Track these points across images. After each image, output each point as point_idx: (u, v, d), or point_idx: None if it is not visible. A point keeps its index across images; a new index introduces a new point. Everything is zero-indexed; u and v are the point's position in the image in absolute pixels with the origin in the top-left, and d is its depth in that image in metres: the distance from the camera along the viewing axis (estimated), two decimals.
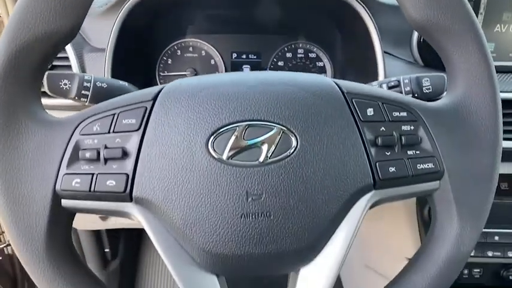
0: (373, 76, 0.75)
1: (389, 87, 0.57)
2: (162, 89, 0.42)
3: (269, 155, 0.39)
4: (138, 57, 0.85)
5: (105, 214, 0.42)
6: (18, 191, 0.39)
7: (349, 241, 0.41)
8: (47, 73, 0.52)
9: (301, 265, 0.42)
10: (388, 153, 0.41)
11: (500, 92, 0.45)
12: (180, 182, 0.38)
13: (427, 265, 0.43)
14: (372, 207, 0.42)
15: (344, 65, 0.91)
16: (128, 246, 1.46)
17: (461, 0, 0.42)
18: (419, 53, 0.79)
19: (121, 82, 0.58)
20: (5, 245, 1.20)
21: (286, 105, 0.40)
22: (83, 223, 1.13)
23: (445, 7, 0.42)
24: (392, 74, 0.72)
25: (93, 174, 0.39)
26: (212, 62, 0.93)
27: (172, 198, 0.39)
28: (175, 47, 0.92)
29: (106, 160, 0.39)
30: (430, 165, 0.41)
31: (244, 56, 0.93)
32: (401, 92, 0.57)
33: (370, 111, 0.42)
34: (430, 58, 0.78)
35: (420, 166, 0.41)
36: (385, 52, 0.75)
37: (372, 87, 0.45)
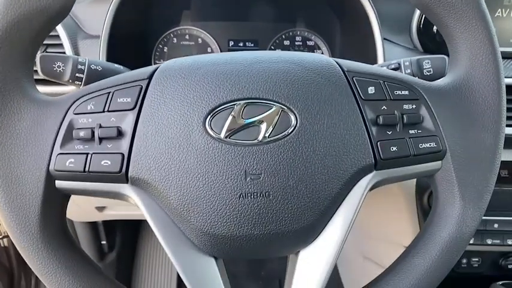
0: (373, 63, 0.74)
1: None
2: (158, 67, 0.41)
3: (268, 134, 0.38)
4: (134, 45, 0.84)
5: (100, 196, 0.41)
6: (10, 172, 0.38)
7: (349, 223, 0.40)
8: (40, 55, 0.50)
9: (301, 247, 0.41)
10: (389, 133, 0.41)
11: None
12: (177, 161, 0.38)
13: (428, 247, 0.42)
14: (372, 188, 0.42)
15: (343, 52, 0.90)
16: (125, 238, 1.46)
17: None
18: (419, 39, 0.78)
19: (116, 65, 0.57)
20: (0, 237, 1.19)
21: (286, 83, 0.39)
22: (79, 215, 1.12)
23: None
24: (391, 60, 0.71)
25: (87, 154, 0.38)
26: (209, 49, 0.92)
27: (169, 179, 0.38)
28: (171, 35, 0.91)
29: (101, 139, 0.39)
30: (432, 144, 0.41)
31: (241, 44, 0.92)
32: None
33: (371, 90, 0.41)
34: (430, 44, 0.77)
35: (422, 145, 0.41)
36: (384, 39, 0.74)
37: (372, 66, 0.44)
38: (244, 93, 0.39)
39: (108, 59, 0.71)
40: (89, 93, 0.40)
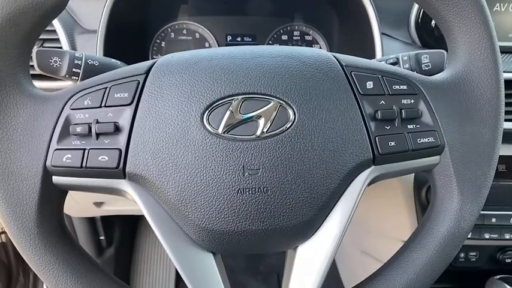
0: (371, 58, 0.74)
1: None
2: (155, 62, 0.41)
3: (266, 129, 0.38)
4: (131, 40, 0.83)
5: (97, 191, 0.41)
6: (7, 167, 0.38)
7: (348, 218, 0.40)
8: (36, 50, 0.50)
9: (299, 242, 0.41)
10: (387, 128, 0.40)
11: None
12: (175, 157, 0.37)
13: (426, 242, 0.42)
14: (371, 183, 0.42)
15: (341, 47, 0.90)
16: (123, 233, 1.45)
17: None
18: (417, 34, 0.78)
19: (113, 60, 0.56)
20: None
21: (284, 78, 0.39)
22: (77, 210, 1.12)
23: None
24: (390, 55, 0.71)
25: (84, 149, 0.38)
26: (206, 44, 0.91)
27: (167, 174, 0.37)
28: (169, 30, 0.90)
29: (98, 135, 0.38)
30: (431, 139, 0.41)
31: (239, 39, 0.92)
32: None
33: (369, 85, 0.41)
34: (428, 39, 0.77)
35: (421, 140, 0.40)
36: (382, 33, 0.74)
37: (371, 61, 0.43)
38: (242, 88, 0.38)
39: (106, 54, 0.71)
40: (85, 89, 0.40)
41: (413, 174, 0.80)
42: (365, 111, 0.40)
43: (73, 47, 0.74)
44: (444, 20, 0.42)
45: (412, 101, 0.41)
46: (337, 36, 0.91)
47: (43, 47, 0.72)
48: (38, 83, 0.68)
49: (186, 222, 0.39)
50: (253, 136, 0.38)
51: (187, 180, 0.37)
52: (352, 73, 0.41)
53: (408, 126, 0.41)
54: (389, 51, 0.74)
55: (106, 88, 0.39)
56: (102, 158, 0.38)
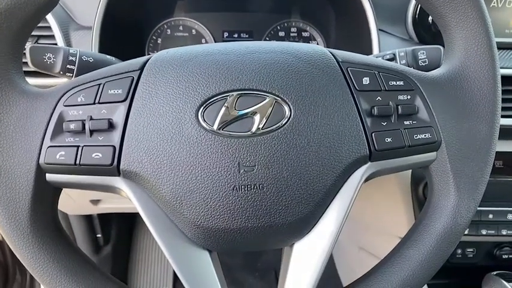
0: (368, 54, 0.74)
1: None
2: (149, 58, 0.41)
3: (261, 126, 0.38)
4: (127, 37, 0.83)
5: (92, 189, 0.41)
6: None
7: (344, 215, 0.40)
8: (30, 46, 0.50)
9: (295, 239, 0.41)
10: (384, 124, 0.40)
11: None
12: (169, 154, 0.37)
13: (422, 238, 0.42)
14: (367, 179, 0.41)
15: (338, 43, 0.89)
16: (120, 231, 1.45)
17: None
18: (414, 30, 0.78)
19: (108, 57, 0.56)
20: None
21: (279, 74, 0.39)
22: (73, 208, 1.11)
23: None
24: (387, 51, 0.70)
25: (78, 146, 0.38)
26: (203, 41, 0.91)
27: (161, 171, 0.37)
28: (165, 26, 0.90)
29: (92, 132, 0.38)
30: (427, 135, 0.41)
31: (236, 35, 0.91)
32: None
33: (365, 81, 0.40)
34: (425, 34, 0.77)
35: (417, 136, 0.40)
36: (379, 29, 0.73)
37: (367, 57, 0.43)
38: (237, 84, 0.38)
39: (101, 51, 0.70)
40: (79, 85, 0.39)
41: (411, 170, 0.80)
42: (361, 107, 0.40)
43: (68, 43, 0.74)
44: (441, 15, 0.42)
45: (409, 97, 0.41)
46: (334, 32, 0.90)
47: (38, 43, 0.71)
48: (31, 80, 0.67)
49: (181, 219, 0.38)
50: (249, 133, 0.37)
51: (182, 178, 0.37)
52: (348, 69, 0.41)
53: (405, 122, 0.41)
54: (386, 47, 0.74)
55: (100, 85, 0.39)
56: (96, 155, 0.38)
